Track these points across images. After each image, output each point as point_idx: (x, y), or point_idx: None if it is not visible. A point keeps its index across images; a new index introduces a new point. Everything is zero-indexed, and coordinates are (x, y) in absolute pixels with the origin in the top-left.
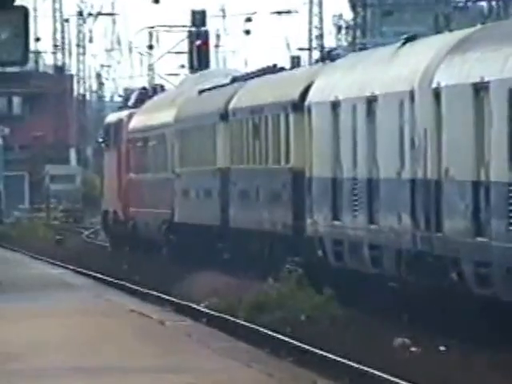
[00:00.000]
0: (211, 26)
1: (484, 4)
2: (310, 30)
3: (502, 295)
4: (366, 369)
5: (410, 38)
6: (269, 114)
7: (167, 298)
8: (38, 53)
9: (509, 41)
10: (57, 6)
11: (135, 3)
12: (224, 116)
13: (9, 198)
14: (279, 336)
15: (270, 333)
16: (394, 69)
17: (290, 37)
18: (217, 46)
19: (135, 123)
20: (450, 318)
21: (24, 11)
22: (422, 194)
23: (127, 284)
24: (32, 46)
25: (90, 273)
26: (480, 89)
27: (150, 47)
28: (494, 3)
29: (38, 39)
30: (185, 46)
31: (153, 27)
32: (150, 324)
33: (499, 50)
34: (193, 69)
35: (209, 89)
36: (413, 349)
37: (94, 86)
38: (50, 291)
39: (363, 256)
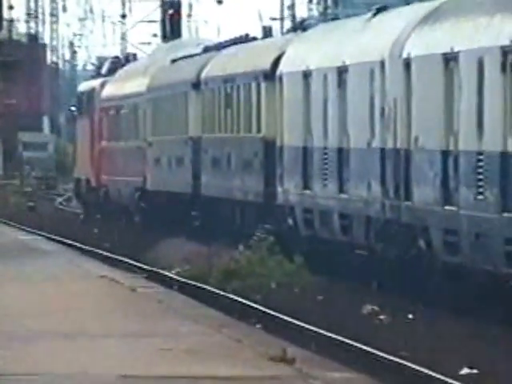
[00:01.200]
0: None
1: None
2: (282, 0)
3: (469, 262)
4: (333, 336)
5: (381, 9)
6: (240, 83)
7: (139, 264)
8: (11, 21)
9: (478, 12)
10: None
11: None
12: (196, 85)
13: None
14: (249, 303)
15: (240, 299)
16: (364, 39)
17: (261, 7)
18: (189, 15)
19: (108, 92)
20: (418, 286)
21: None
22: (392, 163)
23: (99, 251)
24: (5, 14)
25: (63, 239)
26: (450, 59)
27: (123, 16)
28: None
29: (11, 7)
30: (157, 16)
31: None
32: (121, 290)
33: (469, 21)
34: (165, 38)
35: (181, 58)
36: (381, 316)
37: (67, 55)
38: (22, 258)
39: (333, 224)
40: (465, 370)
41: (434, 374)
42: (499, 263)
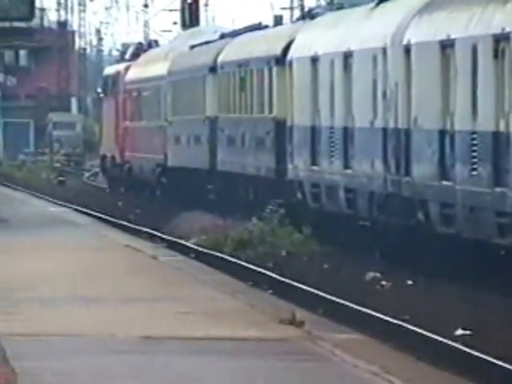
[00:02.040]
0: None
1: None
2: None
3: (464, 233)
4: (339, 300)
5: None
6: (254, 67)
7: (160, 235)
8: (42, 10)
9: (473, 2)
10: None
11: None
12: (213, 69)
13: (15, 142)
14: (261, 270)
15: (252, 267)
16: (368, 27)
17: None
18: (206, 5)
19: (131, 75)
20: (417, 255)
21: None
22: (393, 142)
23: (123, 222)
24: (37, 3)
25: (89, 211)
26: (446, 46)
27: (146, 6)
28: None
29: None
30: (177, 5)
31: None
32: (144, 258)
33: (464, 11)
34: (185, 26)
35: (199, 44)
36: (383, 282)
37: (94, 41)
38: (52, 228)
39: (339, 198)
40: (459, 331)
41: (431, 335)
42: (491, 234)
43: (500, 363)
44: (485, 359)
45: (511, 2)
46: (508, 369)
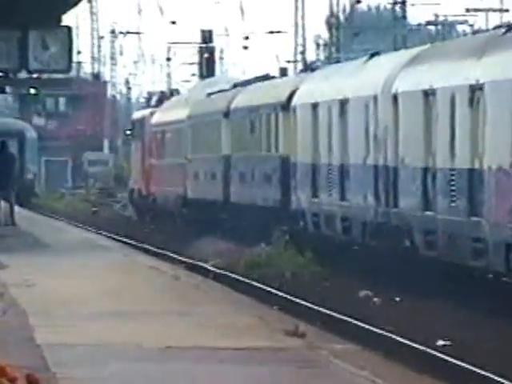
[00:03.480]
0: (217, 42)
1: (432, 28)
2: (296, 47)
3: (444, 256)
4: (336, 315)
5: (375, 54)
6: (262, 112)
7: (181, 258)
8: (79, 63)
9: (451, 57)
10: (94, 25)
11: (157, 23)
12: (227, 114)
13: (55, 178)
14: (269, 288)
15: (261, 286)
16: (361, 78)
17: (279, 52)
18: (221, 58)
19: (156, 119)
20: (404, 275)
21: (68, 30)
22: (383, 177)
23: (149, 247)
24: (75, 57)
25: (119, 237)
26: (429, 94)
27: (168, 59)
28: (439, 27)
29: (79, 52)
30: (196, 59)
31: (171, 43)
32: (167, 278)
33: (444, 64)
34: (202, 77)
35: (215, 92)
36: (374, 299)
37: (124, 90)
38: (87, 252)
39: (336, 226)
40: (440, 342)
41: (415, 345)
42: (467, 257)
43: (476, 369)
44: (462, 366)
45: (485, 57)
46: (484, 375)
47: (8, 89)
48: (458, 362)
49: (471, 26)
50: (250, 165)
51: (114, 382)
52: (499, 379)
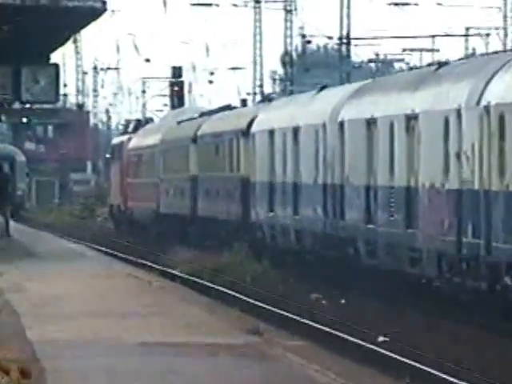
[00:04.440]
0: (185, 77)
1: (373, 65)
2: (254, 81)
3: (384, 264)
4: (290, 315)
5: (323, 87)
6: (225, 138)
7: (154, 265)
8: (65, 95)
9: (390, 90)
10: (79, 62)
11: (133, 60)
12: (194, 139)
13: (44, 195)
14: (231, 292)
15: (224, 289)
16: (312, 108)
17: (240, 85)
18: (189, 91)
19: (132, 144)
20: (349, 280)
21: (56, 67)
22: (331, 194)
23: (126, 256)
24: (61, 90)
25: (100, 247)
26: (370, 122)
27: (143, 91)
28: (379, 64)
29: (65, 85)
30: (167, 91)
31: (145, 78)
32: (141, 283)
33: (384, 96)
34: (173, 107)
35: (184, 121)
36: (323, 301)
37: (104, 119)
38: (72, 259)
39: (290, 237)
40: (381, 338)
41: (358, 341)
42: (404, 265)
43: (411, 362)
44: (399, 359)
45: (419, 91)
46: (418, 367)
47: (3, 117)
48: (396, 356)
49: (407, 63)
50: (214, 184)
51: (95, 372)
52: (431, 370)
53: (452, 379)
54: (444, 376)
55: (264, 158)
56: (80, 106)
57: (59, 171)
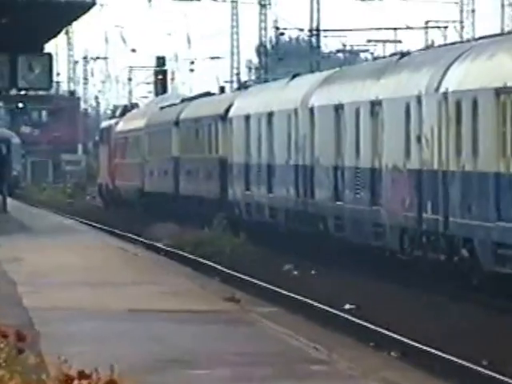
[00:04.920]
0: (168, 66)
1: (341, 55)
2: (232, 70)
3: (351, 238)
4: (264, 284)
5: (295, 75)
6: (205, 122)
7: (139, 239)
8: (58, 82)
9: (356, 78)
10: (71, 52)
11: (120, 51)
12: (176, 123)
13: (38, 175)
14: (211, 263)
15: (205, 261)
16: (285, 94)
17: (219, 73)
18: (172, 79)
19: (119, 127)
20: (319, 253)
21: (49, 56)
22: (302, 174)
23: (114, 230)
24: (54, 78)
25: (90, 223)
26: (338, 108)
27: (130, 79)
28: (347, 54)
29: (58, 74)
30: (151, 79)
31: (131, 67)
32: (128, 255)
33: (350, 84)
34: (156, 94)
35: (167, 106)
36: (295, 272)
37: (94, 104)
38: (65, 233)
39: (264, 213)
40: (347, 306)
41: (327, 308)
42: (369, 238)
43: (375, 327)
44: (364, 325)
45: (382, 79)
46: (381, 332)
47: (0, 103)
48: (361, 322)
49: (372, 54)
50: (195, 164)
51: (86, 337)
52: (393, 334)
53: (413, 343)
54: (406, 340)
55: (240, 140)
56: (71, 93)
57: (52, 152)
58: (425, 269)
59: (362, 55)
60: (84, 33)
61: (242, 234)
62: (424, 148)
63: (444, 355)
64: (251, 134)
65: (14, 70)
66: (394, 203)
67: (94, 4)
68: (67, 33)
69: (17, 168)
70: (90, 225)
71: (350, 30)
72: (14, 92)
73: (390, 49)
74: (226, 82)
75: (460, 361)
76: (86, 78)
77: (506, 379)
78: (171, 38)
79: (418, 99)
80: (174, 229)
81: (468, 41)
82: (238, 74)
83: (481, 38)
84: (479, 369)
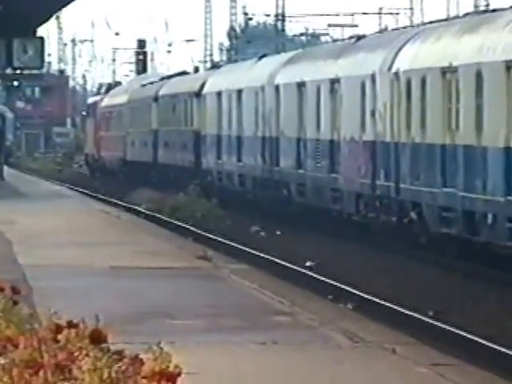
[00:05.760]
0: (148, 47)
1: (303, 38)
2: (205, 51)
3: (311, 202)
4: (234, 244)
5: (262, 56)
6: (181, 98)
7: (122, 203)
8: (49, 63)
9: (318, 58)
10: (60, 35)
11: (105, 34)
12: (156, 99)
13: (31, 145)
14: (185, 225)
15: (180, 223)
16: (253, 73)
17: (193, 54)
18: (152, 59)
19: (104, 103)
20: (283, 216)
21: (41, 39)
22: (268, 145)
23: (98, 195)
24: (46, 58)
25: (78, 188)
26: (301, 85)
27: (113, 60)
28: (309, 37)
29: (49, 54)
30: (133, 59)
31: (115, 48)
32: (111, 218)
33: (311, 63)
34: (138, 73)
35: (147, 84)
36: (262, 233)
37: (81, 82)
38: (54, 198)
39: (234, 180)
40: (308, 263)
41: (290, 265)
42: (328, 202)
43: (332, 282)
44: (322, 280)
45: (341, 59)
46: (337, 285)
47: None
48: (321, 277)
49: (332, 37)
50: (172, 136)
51: (72, 290)
52: (349, 288)
53: (366, 295)
54: (361, 293)
55: (213, 115)
56: (61, 72)
57: (44, 126)
58: (378, 230)
59: (323, 38)
60: (73, 18)
61: (213, 199)
62: (378, 122)
63: (394, 307)
64: (222, 109)
65: (9, 51)
66: (350, 171)
67: None
68: (57, 18)
69: (10, 139)
70: (77, 190)
71: (312, 15)
72: (9, 71)
73: (348, 32)
74: (200, 62)
75: (408, 312)
76: (74, 59)
77: (447, 327)
78: (151, 22)
79: (373, 78)
80: (153, 194)
81: (418, 25)
82: (210, 55)
83: (429, 22)
84: (425, 318)
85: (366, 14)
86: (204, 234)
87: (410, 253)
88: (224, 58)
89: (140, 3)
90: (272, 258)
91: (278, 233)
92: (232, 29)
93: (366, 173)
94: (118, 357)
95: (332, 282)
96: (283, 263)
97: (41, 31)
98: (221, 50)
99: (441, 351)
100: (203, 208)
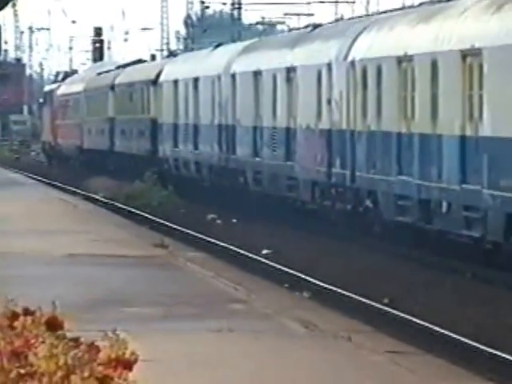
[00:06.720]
0: (105, 36)
1: (260, 26)
2: (162, 39)
3: (268, 190)
4: (190, 232)
5: (219, 45)
6: (138, 86)
7: (78, 191)
8: (5, 50)
9: (273, 47)
10: (17, 24)
11: (62, 22)
12: (112, 87)
13: None
14: (142, 213)
15: (136, 211)
16: (209, 62)
17: (150, 43)
18: (108, 47)
19: (61, 91)
20: (239, 204)
21: None
22: (225, 133)
23: (56, 183)
24: (3, 46)
25: (35, 176)
26: (257, 74)
27: (70, 48)
28: (265, 26)
29: (6, 42)
30: (90, 47)
31: (72, 36)
32: (69, 206)
33: (268, 52)
34: (94, 61)
35: (103, 72)
36: (218, 221)
37: (38, 70)
38: (12, 186)
39: (191, 168)
40: (265, 251)
41: (246, 253)
42: (284, 190)
43: (287, 269)
44: (278, 268)
45: (297, 48)
46: (292, 273)
47: None
48: (277, 265)
49: (288, 26)
50: (128, 124)
51: (29, 278)
52: (305, 277)
53: (322, 284)
54: (316, 281)
55: (170, 103)
56: (18, 60)
57: (1, 113)
58: (333, 218)
59: (279, 27)
60: (29, 6)
61: (170, 187)
62: (334, 110)
63: (350, 294)
64: (179, 97)
65: None
66: (306, 159)
67: None
68: (14, 6)
69: None
70: (35, 178)
71: (269, 4)
72: None
73: (304, 21)
74: (157, 50)
75: (363, 299)
76: (31, 47)
77: (400, 314)
78: (108, 10)
79: (329, 66)
80: (110, 182)
81: (373, 15)
82: (167, 44)
83: (384, 12)
84: (380, 306)
85: (322, 2)
86: (161, 221)
87: (366, 241)
88: (181, 46)
89: None
90: (228, 246)
91: (234, 221)
92: (188, 17)
93: (321, 161)
94: (74, 344)
95: (288, 270)
96: (240, 251)
97: None
98: (177, 38)
99: (396, 339)
100: (160, 196)
